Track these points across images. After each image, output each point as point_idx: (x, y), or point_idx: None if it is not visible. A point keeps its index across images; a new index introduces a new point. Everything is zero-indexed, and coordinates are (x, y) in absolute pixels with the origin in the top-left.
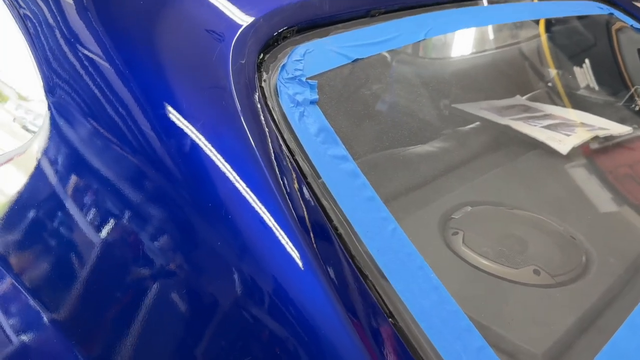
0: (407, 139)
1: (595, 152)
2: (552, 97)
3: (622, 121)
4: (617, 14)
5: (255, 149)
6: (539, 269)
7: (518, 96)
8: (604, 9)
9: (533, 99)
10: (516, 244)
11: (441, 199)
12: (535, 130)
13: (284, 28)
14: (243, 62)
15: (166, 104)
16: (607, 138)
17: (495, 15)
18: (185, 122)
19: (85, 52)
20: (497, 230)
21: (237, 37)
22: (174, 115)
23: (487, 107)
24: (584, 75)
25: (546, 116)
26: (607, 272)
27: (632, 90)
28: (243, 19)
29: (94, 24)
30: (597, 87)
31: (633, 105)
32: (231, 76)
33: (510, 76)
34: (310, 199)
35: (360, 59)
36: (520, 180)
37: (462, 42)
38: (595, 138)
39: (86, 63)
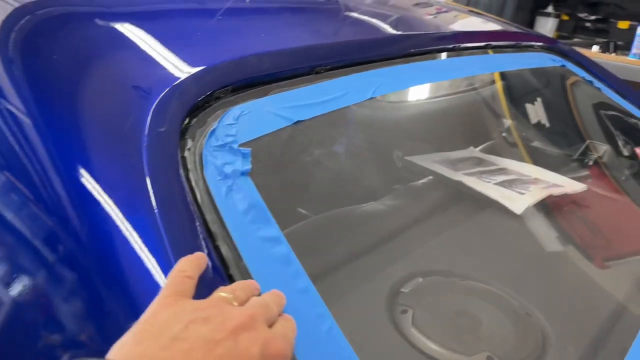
0: (355, 199)
1: (552, 212)
2: (506, 149)
3: (576, 175)
4: (569, 65)
5: (165, 237)
6: (492, 356)
7: (472, 147)
8: (557, 61)
9: (487, 150)
10: (469, 323)
11: (390, 269)
12: (488, 188)
13: (217, 88)
14: (163, 129)
15: (79, 172)
16: (561, 197)
17: (448, 70)
18: (97, 194)
19: (4, 103)
20: (449, 305)
21: (159, 99)
22: (86, 185)
23: (439, 160)
24: (538, 127)
25: (500, 171)
26: (565, 357)
27: (586, 144)
28: (168, 79)
29: (15, 74)
30: (551, 140)
31: (586, 160)
32: (145, 147)
33: (464, 126)
34: None
35: (302, 120)
36: (473, 244)
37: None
38: (550, 197)
39: (5, 114)
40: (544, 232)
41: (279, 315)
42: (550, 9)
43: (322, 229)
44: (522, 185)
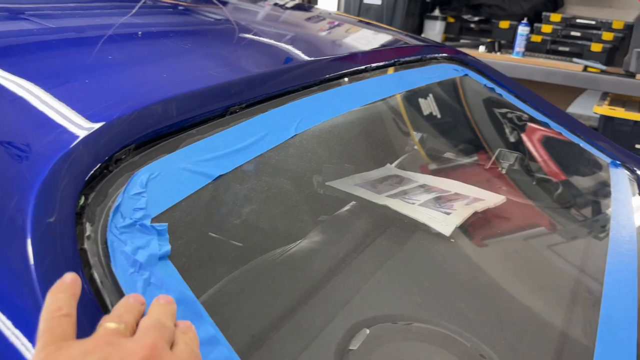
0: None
1: (478, 229)
2: (420, 163)
3: (491, 186)
4: (472, 74)
5: None
6: None
7: (388, 164)
8: (460, 71)
9: (403, 165)
10: None
11: (330, 323)
12: (415, 210)
13: (116, 149)
14: (52, 219)
15: None
16: (486, 212)
17: (364, 94)
18: None
19: None
20: (401, 356)
21: (43, 180)
22: None
23: (360, 183)
24: (449, 139)
25: (421, 188)
26: None
27: (496, 153)
28: (51, 150)
29: None
30: (461, 150)
31: (499, 168)
32: (31, 248)
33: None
34: None
35: (224, 174)
36: (410, 277)
37: None
38: (475, 214)
39: None
40: (476, 255)
41: (176, 326)
42: (437, 13)
43: (246, 284)
44: (446, 204)
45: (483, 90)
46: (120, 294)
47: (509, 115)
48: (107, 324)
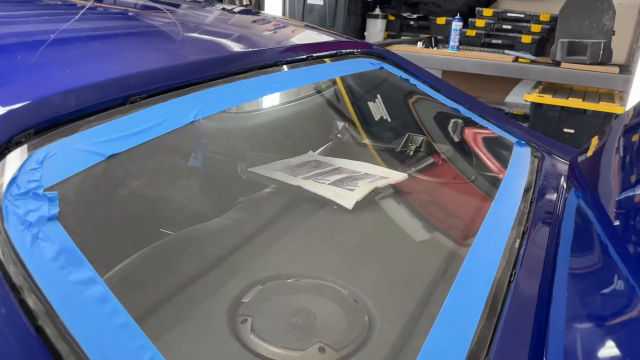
0: (200, 219)
1: (378, 202)
2: (342, 149)
3: (400, 166)
4: (387, 67)
5: None
6: (324, 345)
7: (311, 152)
8: (376, 64)
9: (327, 152)
10: (305, 319)
11: (232, 283)
12: (322, 189)
13: (16, 133)
14: None
15: None
16: (386, 187)
17: (274, 84)
18: None
19: None
20: (287, 306)
21: None
22: None
23: (281, 168)
24: (368, 126)
25: (335, 170)
26: (389, 335)
27: (405, 137)
28: None
29: None
30: (378, 136)
31: (407, 151)
32: None
33: (304, 131)
34: (37, 348)
35: (117, 154)
36: (310, 244)
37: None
38: (375, 190)
39: None
40: (373, 223)
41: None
42: (377, 11)
43: (163, 255)
44: (352, 182)
45: (398, 82)
46: (12, 247)
47: (422, 103)
48: None
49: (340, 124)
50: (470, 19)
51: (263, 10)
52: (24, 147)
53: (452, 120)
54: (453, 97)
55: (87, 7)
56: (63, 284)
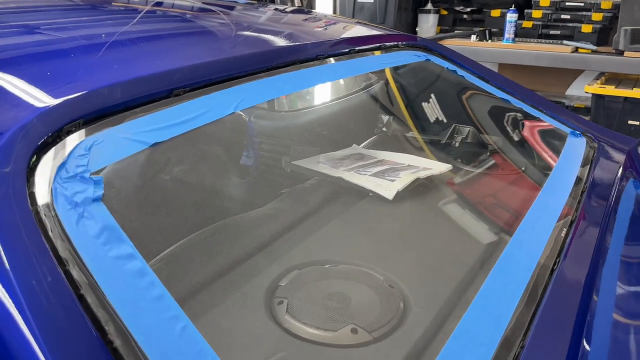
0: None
1: (420, 193)
2: (388, 142)
3: (445, 158)
4: (433, 59)
5: (11, 272)
6: (356, 327)
7: (354, 145)
8: (421, 57)
9: (370, 146)
10: (339, 302)
11: (271, 267)
12: (363, 180)
13: (66, 122)
14: (7, 170)
15: None
16: (428, 178)
17: (315, 77)
18: None
19: None
20: (322, 290)
21: (4, 142)
22: None
23: (324, 160)
24: (412, 118)
25: (377, 162)
26: (422, 319)
27: (452, 128)
28: (12, 120)
29: None
30: (423, 129)
31: (453, 142)
32: None
33: (349, 126)
34: (79, 315)
35: (160, 142)
36: (349, 232)
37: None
38: (417, 180)
39: None
40: (413, 213)
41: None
42: (429, 6)
43: (209, 240)
44: (394, 173)
45: (445, 73)
46: (60, 224)
47: (469, 94)
48: None
49: (385, 118)
50: (526, 10)
51: (314, 9)
52: (74, 135)
53: (501, 111)
54: (503, 87)
55: (144, 11)
56: (104, 258)
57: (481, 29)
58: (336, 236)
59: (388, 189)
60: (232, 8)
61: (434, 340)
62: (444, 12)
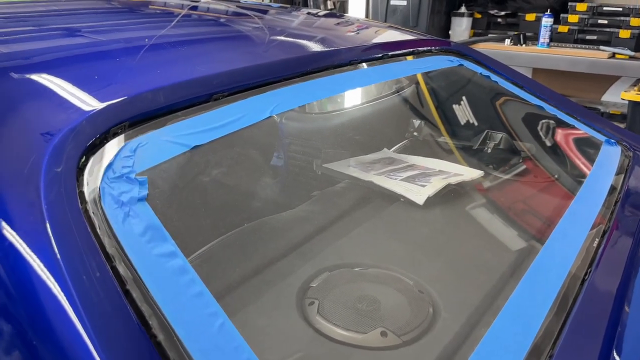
0: (276, 210)
1: (451, 198)
2: (419, 147)
3: (477, 164)
4: (467, 64)
5: (64, 268)
6: (386, 330)
7: (385, 149)
8: (454, 61)
9: (400, 150)
10: (369, 305)
11: (302, 268)
12: (394, 184)
13: (113, 125)
14: (59, 169)
15: None
16: (460, 184)
17: (348, 82)
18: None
19: None
20: (352, 292)
21: (56, 143)
22: None
23: (355, 164)
24: (444, 123)
25: (408, 167)
26: (451, 325)
27: (484, 134)
28: (64, 122)
29: None
30: (455, 134)
31: (485, 148)
32: (42, 187)
33: (380, 130)
34: (125, 309)
35: (200, 145)
36: (379, 236)
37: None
38: (448, 186)
39: None
40: (443, 218)
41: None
42: (463, 9)
43: (243, 240)
44: (425, 179)
45: (478, 79)
46: (106, 221)
47: (502, 100)
48: None
49: (417, 122)
50: (562, 15)
51: (347, 13)
52: (120, 137)
53: (534, 118)
54: (536, 93)
55: (181, 15)
56: (148, 255)
57: (515, 33)
58: (366, 240)
59: (419, 194)
60: (265, 12)
61: (462, 346)
62: (478, 16)
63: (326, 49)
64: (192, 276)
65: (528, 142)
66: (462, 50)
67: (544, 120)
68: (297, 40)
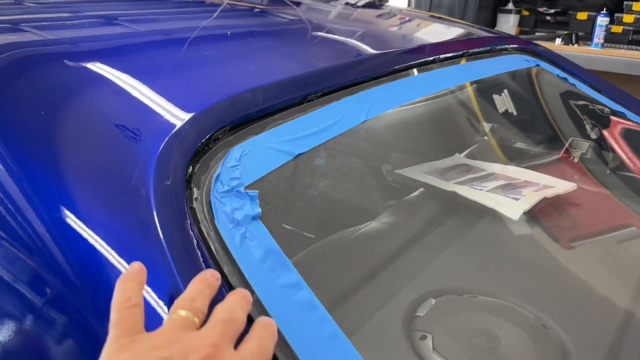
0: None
1: (548, 215)
2: (490, 153)
3: (562, 175)
4: (544, 65)
5: None
6: None
7: (457, 154)
8: (531, 62)
9: (471, 155)
10: (489, 342)
11: (400, 292)
12: (481, 196)
13: (215, 129)
14: (168, 182)
15: (88, 235)
16: (555, 198)
17: (432, 84)
18: (111, 258)
19: None
20: (466, 325)
21: (161, 150)
22: (98, 249)
23: (429, 171)
24: (517, 127)
25: (489, 176)
26: None
27: (568, 142)
28: (165, 128)
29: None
30: (532, 140)
31: (571, 157)
32: (153, 204)
33: (445, 132)
34: None
35: (303, 153)
36: (476, 255)
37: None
38: (543, 200)
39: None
40: (545, 237)
41: (253, 321)
42: (510, 6)
43: (321, 256)
44: (515, 190)
45: (555, 81)
46: (223, 245)
47: (583, 105)
48: (179, 311)
49: (488, 125)
50: (616, 14)
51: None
52: (222, 143)
53: (620, 126)
54: (617, 99)
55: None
56: (273, 286)
57: (565, 32)
58: (462, 260)
59: (512, 208)
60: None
61: None
62: (526, 13)
63: (410, 47)
64: (323, 313)
65: (610, 151)
66: (538, 50)
67: (629, 129)
68: (380, 37)
